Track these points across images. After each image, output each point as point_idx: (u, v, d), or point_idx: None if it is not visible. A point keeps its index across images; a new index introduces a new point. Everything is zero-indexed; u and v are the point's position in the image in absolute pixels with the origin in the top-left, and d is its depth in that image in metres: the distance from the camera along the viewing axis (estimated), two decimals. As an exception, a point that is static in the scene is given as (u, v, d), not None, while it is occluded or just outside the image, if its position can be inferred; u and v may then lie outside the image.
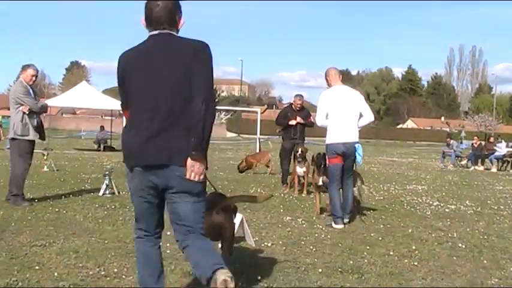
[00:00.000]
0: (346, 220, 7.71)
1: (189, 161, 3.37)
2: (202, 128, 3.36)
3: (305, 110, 11.94)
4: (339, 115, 7.62)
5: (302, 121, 11.50)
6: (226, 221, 4.29)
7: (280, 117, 12.03)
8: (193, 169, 3.38)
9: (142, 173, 3.50)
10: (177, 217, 3.62)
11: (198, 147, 3.37)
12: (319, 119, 7.77)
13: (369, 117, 7.86)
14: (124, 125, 3.82)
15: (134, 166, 3.53)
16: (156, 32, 3.63)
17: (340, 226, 7.44)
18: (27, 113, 8.32)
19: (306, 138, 11.96)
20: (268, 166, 15.63)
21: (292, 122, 11.52)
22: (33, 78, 8.55)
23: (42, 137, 8.74)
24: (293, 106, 11.92)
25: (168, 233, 6.47)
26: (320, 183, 8.28)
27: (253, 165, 15.37)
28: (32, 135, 8.42)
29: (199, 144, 3.37)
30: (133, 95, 3.59)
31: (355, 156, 7.73)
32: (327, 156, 7.88)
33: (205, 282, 3.33)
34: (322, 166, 8.18)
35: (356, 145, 7.67)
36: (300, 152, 10.59)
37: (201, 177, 3.43)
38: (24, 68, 8.54)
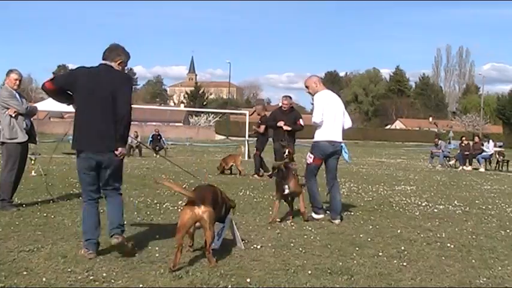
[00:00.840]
0: (338, 221, 7.96)
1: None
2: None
3: (294, 112, 11.96)
4: (330, 116, 8.08)
5: (289, 128, 11.52)
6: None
7: (269, 120, 12.07)
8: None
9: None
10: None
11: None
12: (317, 117, 8.06)
13: (348, 123, 8.47)
14: None
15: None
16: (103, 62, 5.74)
17: (321, 216, 8.08)
18: (13, 115, 8.29)
19: (296, 140, 12.00)
20: (238, 169, 15.81)
21: (281, 123, 11.54)
22: (17, 82, 8.54)
23: (32, 140, 8.70)
24: (282, 108, 11.95)
25: (157, 236, 6.47)
26: (286, 191, 7.93)
27: (224, 168, 15.83)
28: (21, 137, 8.36)
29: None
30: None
31: (339, 156, 8.26)
32: (312, 155, 8.19)
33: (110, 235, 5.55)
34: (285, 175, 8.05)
35: (342, 145, 8.25)
36: (286, 153, 10.56)
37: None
38: (8, 73, 8.55)
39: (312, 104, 8.32)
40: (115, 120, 5.49)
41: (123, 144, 5.66)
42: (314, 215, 8.14)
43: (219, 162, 16.46)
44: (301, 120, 11.87)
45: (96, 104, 5.51)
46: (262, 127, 15.28)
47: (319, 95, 8.20)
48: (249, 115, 31.46)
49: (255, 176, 14.96)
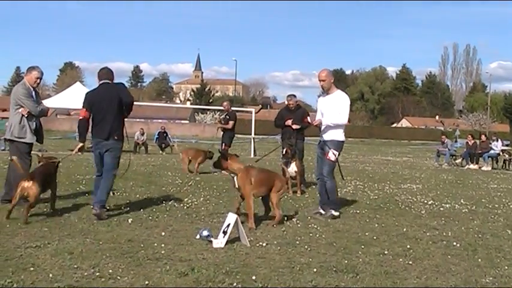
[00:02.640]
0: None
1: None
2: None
3: (301, 110, 11.92)
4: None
5: (298, 126, 11.48)
6: None
7: (277, 119, 12.06)
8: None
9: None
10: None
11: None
12: (346, 118, 8.41)
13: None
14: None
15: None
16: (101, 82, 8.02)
17: (338, 213, 8.30)
18: (26, 115, 8.26)
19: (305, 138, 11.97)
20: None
21: (289, 122, 11.53)
22: (38, 80, 8.48)
23: (40, 140, 8.70)
24: (288, 106, 11.94)
25: (163, 233, 6.49)
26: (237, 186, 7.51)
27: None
28: (29, 137, 8.37)
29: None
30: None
31: None
32: (336, 152, 8.32)
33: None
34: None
35: None
36: (284, 152, 10.60)
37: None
38: (29, 70, 8.45)
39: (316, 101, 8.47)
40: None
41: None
42: (334, 212, 8.21)
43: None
44: (308, 117, 11.82)
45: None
46: (231, 123, 15.59)
47: (346, 96, 8.43)
48: (255, 113, 31.46)
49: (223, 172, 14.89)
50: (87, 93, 8.25)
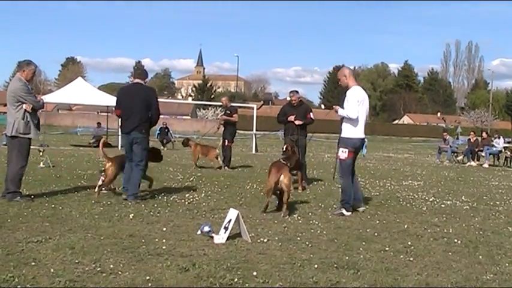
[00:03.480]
0: (363, 208, 8.55)
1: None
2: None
3: (303, 106, 11.91)
4: (362, 113, 8.24)
5: (300, 122, 11.49)
6: None
7: (280, 115, 12.05)
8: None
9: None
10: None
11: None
12: (354, 113, 8.11)
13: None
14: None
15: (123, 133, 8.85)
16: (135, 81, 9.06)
17: (350, 213, 8.21)
18: (30, 111, 8.27)
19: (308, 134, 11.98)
20: (212, 161, 15.53)
21: (291, 118, 11.53)
22: (33, 75, 8.52)
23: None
24: (291, 102, 11.94)
25: (164, 228, 6.50)
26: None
27: (197, 157, 15.50)
28: (34, 133, 8.38)
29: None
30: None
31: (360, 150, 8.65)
32: (345, 150, 8.24)
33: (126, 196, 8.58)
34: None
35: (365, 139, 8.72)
36: (284, 149, 10.58)
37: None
38: (26, 65, 8.40)
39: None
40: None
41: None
42: (344, 212, 8.14)
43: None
44: (311, 113, 11.81)
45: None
46: (236, 115, 15.56)
47: (355, 91, 8.24)
48: (257, 109, 31.43)
49: (226, 168, 14.99)
50: (119, 89, 9.47)
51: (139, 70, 9.44)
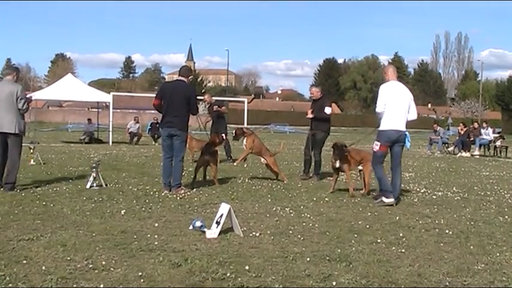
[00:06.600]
0: (393, 200, 8.51)
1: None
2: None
3: (321, 100, 11.88)
4: (395, 106, 8.59)
5: (311, 116, 11.63)
6: None
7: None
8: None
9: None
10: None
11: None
12: (379, 107, 8.60)
13: (413, 115, 8.97)
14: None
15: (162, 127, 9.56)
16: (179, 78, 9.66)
17: (392, 200, 8.42)
18: (30, 108, 9.28)
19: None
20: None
21: (309, 115, 11.71)
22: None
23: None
24: (311, 96, 12.19)
25: (156, 224, 6.49)
26: (337, 165, 9.58)
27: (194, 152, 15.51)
28: (26, 131, 9.42)
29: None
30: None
31: (404, 144, 8.86)
32: (378, 143, 8.65)
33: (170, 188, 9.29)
34: (337, 152, 9.51)
35: (406, 133, 8.88)
36: (234, 133, 11.10)
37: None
38: (16, 71, 9.49)
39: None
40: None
41: None
42: (384, 199, 8.42)
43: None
44: (326, 108, 11.69)
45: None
46: (224, 108, 15.78)
47: (385, 86, 8.67)
48: (248, 102, 31.42)
49: (231, 161, 15.08)
50: (162, 83, 11.08)
51: (183, 68, 9.89)
